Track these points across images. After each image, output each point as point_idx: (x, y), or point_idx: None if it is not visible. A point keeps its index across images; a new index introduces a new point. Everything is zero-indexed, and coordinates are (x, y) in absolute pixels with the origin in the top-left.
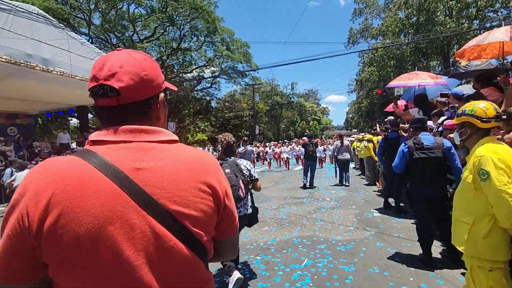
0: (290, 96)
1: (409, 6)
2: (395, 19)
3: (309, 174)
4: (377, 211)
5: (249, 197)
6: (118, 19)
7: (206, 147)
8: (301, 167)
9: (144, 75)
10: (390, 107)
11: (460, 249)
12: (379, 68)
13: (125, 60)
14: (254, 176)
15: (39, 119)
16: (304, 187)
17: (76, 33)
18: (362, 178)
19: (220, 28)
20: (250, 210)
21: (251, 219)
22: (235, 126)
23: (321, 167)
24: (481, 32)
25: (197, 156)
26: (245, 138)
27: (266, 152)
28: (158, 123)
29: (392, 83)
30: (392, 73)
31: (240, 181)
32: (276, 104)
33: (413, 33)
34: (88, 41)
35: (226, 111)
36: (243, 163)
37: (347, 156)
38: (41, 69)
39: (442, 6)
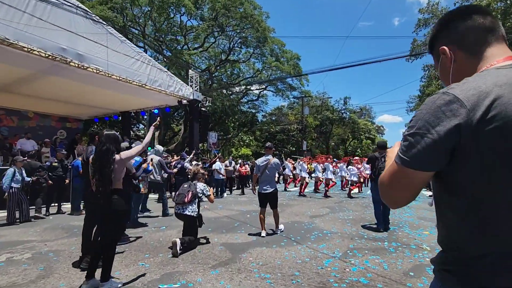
0: (342, 111)
1: (492, 10)
2: None
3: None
4: None
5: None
6: (169, 27)
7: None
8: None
9: None
10: None
11: None
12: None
13: None
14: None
15: (95, 125)
16: (385, 228)
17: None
18: None
19: (270, 39)
20: (193, 214)
21: (193, 223)
22: (281, 141)
23: None
24: None
25: None
26: (269, 144)
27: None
28: None
29: None
30: None
31: (189, 194)
32: (327, 119)
33: None
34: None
35: (272, 125)
36: (199, 186)
37: None
38: (76, 65)
39: None
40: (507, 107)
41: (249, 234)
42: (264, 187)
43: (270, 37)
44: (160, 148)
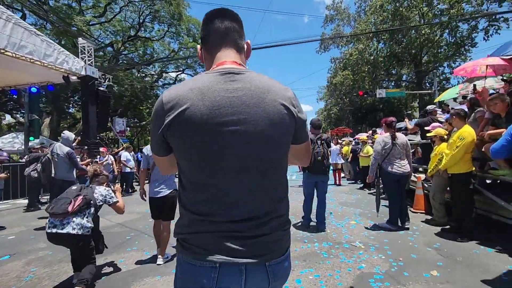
0: None
1: (384, 10)
2: (369, 24)
3: (314, 200)
4: None
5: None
6: None
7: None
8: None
9: None
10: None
11: None
12: (353, 73)
13: None
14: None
15: None
16: (308, 225)
17: (9, 9)
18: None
19: (186, 17)
20: (82, 232)
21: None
22: None
23: (339, 184)
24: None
25: None
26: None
27: None
28: None
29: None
30: (366, 78)
31: (77, 199)
32: None
33: (388, 38)
34: (21, 17)
35: None
36: (99, 190)
37: (406, 167)
38: None
39: (416, 12)
40: (191, 110)
41: (138, 262)
42: (156, 189)
43: (186, 15)
44: (69, 135)
